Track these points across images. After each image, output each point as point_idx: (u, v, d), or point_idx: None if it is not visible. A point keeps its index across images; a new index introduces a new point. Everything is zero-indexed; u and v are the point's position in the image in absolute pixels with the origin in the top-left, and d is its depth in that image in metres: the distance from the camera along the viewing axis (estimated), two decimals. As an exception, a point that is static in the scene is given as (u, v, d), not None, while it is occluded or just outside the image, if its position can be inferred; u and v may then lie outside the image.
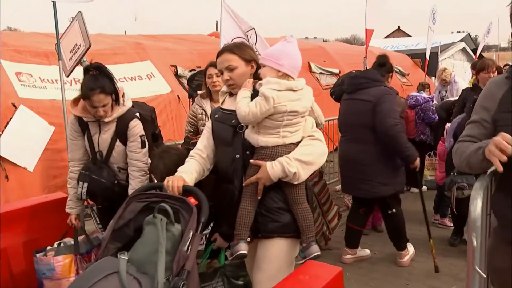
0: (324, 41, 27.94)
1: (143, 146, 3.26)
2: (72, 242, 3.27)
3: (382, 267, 4.30)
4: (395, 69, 13.75)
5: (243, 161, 2.41)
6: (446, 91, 8.39)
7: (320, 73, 9.46)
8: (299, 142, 2.40)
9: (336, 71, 11.22)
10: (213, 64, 3.90)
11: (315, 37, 48.43)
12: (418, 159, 4.11)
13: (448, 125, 5.25)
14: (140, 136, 3.24)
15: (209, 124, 2.64)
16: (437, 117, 6.46)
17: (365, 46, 7.63)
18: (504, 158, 1.68)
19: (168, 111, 7.22)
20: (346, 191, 4.78)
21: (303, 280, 1.85)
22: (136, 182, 3.20)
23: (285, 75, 2.34)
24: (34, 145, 5.52)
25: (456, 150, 2.07)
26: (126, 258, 1.94)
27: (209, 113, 3.89)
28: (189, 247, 2.02)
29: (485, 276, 1.91)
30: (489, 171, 2.10)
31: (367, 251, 4.64)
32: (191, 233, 2.06)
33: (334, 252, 4.72)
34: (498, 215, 2.05)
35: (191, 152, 2.61)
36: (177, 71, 8.03)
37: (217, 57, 2.53)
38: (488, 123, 1.98)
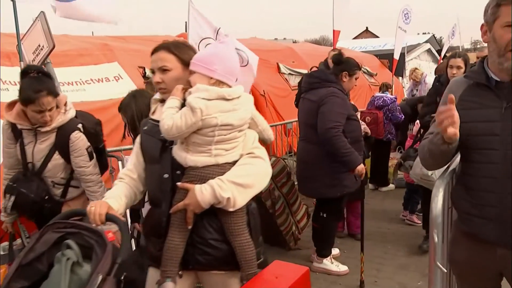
0: (293, 42, 28.07)
1: (91, 158, 3.07)
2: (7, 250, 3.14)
3: (350, 264, 4.35)
4: (363, 69, 13.97)
5: (173, 182, 2.04)
6: (417, 90, 8.61)
7: (289, 73, 9.49)
8: (236, 161, 2.04)
9: (305, 71, 11.24)
10: None
11: (284, 38, 48.65)
12: (360, 167, 3.94)
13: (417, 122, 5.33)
14: (86, 149, 3.05)
15: (138, 138, 2.27)
16: (403, 116, 6.61)
17: (332, 47, 7.73)
18: (454, 120, 1.76)
19: (136, 112, 7.13)
20: (298, 190, 4.74)
21: (269, 280, 1.85)
22: (97, 196, 3.01)
23: (219, 83, 2.01)
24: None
25: (421, 144, 2.13)
26: None
27: None
28: None
29: (446, 271, 1.96)
30: (449, 169, 2.16)
31: (337, 250, 4.68)
32: (100, 277, 1.69)
33: (303, 252, 4.74)
34: (456, 207, 2.12)
35: (120, 174, 2.27)
36: (145, 73, 7.93)
37: (152, 53, 2.16)
38: None
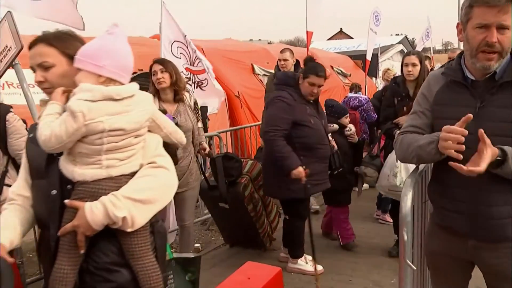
0: (268, 43, 28.18)
1: None
2: None
3: (325, 263, 4.37)
4: (337, 70, 14.11)
5: (62, 199, 1.70)
6: (389, 90, 8.75)
7: (264, 74, 9.51)
8: (135, 173, 1.75)
9: (280, 72, 11.35)
10: (157, 61, 3.88)
11: (259, 39, 48.88)
12: (295, 171, 3.80)
13: None
14: (26, 129, 2.94)
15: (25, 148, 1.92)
16: (377, 116, 6.69)
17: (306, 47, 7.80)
18: (462, 147, 1.75)
19: (109, 115, 7.04)
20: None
21: (241, 281, 1.85)
22: None
23: (110, 80, 1.71)
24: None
25: (400, 142, 2.14)
26: None
27: None
28: None
29: (415, 268, 1.99)
30: (419, 170, 2.20)
31: (320, 267, 4.60)
32: None
33: (278, 252, 4.74)
34: (432, 201, 2.20)
35: (10, 193, 1.88)
36: (118, 74, 7.85)
37: (29, 48, 1.85)
38: (429, 111, 2.10)
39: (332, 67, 13.95)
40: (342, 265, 4.40)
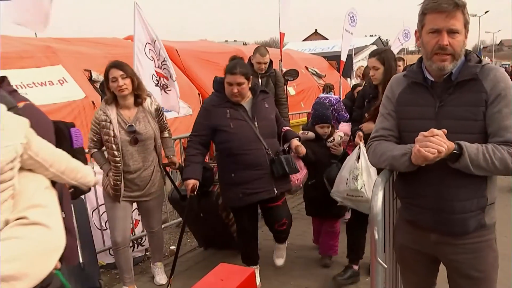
0: (244, 44, 28.21)
1: None
2: None
3: (301, 263, 4.39)
4: (312, 70, 14.23)
5: None
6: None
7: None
8: None
9: (254, 73, 11.37)
10: (115, 65, 3.57)
11: (235, 40, 48.92)
12: (186, 182, 3.69)
13: None
14: None
15: None
16: (348, 115, 6.76)
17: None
18: (431, 157, 1.83)
19: (82, 117, 6.94)
20: None
21: (214, 283, 1.85)
22: None
23: None
24: None
25: (374, 150, 2.22)
26: None
27: (114, 121, 3.59)
28: None
29: (386, 266, 2.03)
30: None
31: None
32: None
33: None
34: (399, 197, 2.30)
35: None
36: (91, 76, 7.75)
37: None
38: (394, 112, 2.20)
39: (307, 68, 14.06)
40: (319, 264, 4.44)
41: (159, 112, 3.85)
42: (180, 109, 6.02)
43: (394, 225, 2.41)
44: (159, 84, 5.69)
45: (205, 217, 4.39)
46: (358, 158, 3.67)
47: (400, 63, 8.27)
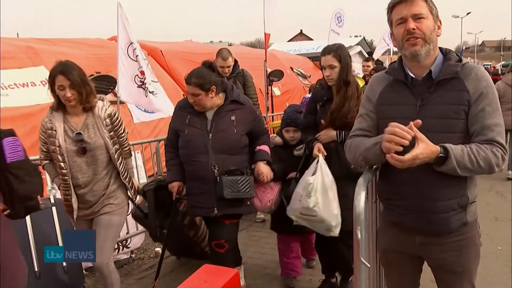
0: (229, 45, 28.20)
1: None
2: None
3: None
4: (297, 71, 14.28)
5: None
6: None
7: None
8: None
9: (240, 74, 11.38)
10: (63, 72, 3.09)
11: (220, 41, 48.88)
12: (170, 185, 3.60)
13: None
14: None
15: None
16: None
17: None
18: (400, 148, 1.83)
19: (65, 118, 6.88)
20: None
21: (198, 285, 1.85)
22: None
23: None
24: None
25: (350, 145, 2.22)
26: None
27: (59, 129, 3.17)
28: None
29: (369, 266, 2.05)
30: (373, 167, 2.26)
31: None
32: None
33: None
34: (381, 199, 2.30)
35: None
36: (75, 77, 7.67)
37: None
38: (373, 113, 2.19)
39: (292, 68, 14.10)
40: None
41: (113, 119, 3.31)
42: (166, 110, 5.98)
43: (378, 228, 2.42)
44: (143, 86, 5.66)
45: (173, 235, 3.94)
46: (314, 173, 3.32)
47: (370, 63, 8.31)
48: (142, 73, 5.65)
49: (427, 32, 1.97)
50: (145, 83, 5.65)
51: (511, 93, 7.34)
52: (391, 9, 2.06)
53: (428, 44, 1.99)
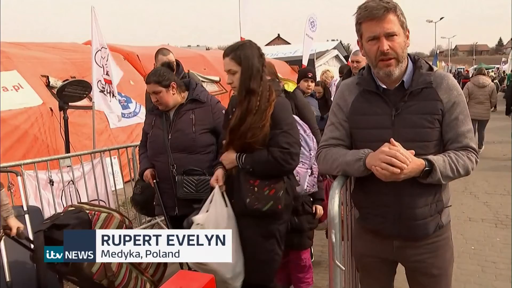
0: (207, 49, 28.17)
1: None
2: None
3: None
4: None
5: None
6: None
7: (202, 81, 9.53)
8: None
9: (217, 78, 11.36)
10: None
11: (197, 45, 48.77)
12: (145, 173, 3.51)
13: None
14: None
15: None
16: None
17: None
18: (398, 171, 1.85)
19: (40, 124, 6.76)
20: None
21: (174, 291, 1.84)
22: None
23: None
24: None
25: (325, 156, 2.17)
26: None
27: None
28: None
29: (343, 268, 2.05)
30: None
31: None
32: None
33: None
34: (357, 207, 2.29)
35: None
36: (49, 82, 7.56)
37: None
38: (346, 122, 2.17)
39: (269, 73, 14.12)
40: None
41: None
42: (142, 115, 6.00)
43: (353, 234, 2.43)
44: (105, 91, 5.68)
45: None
46: (208, 209, 2.78)
47: (359, 57, 7.66)
48: (106, 80, 5.69)
49: (399, 51, 1.98)
50: (110, 89, 5.69)
51: (478, 91, 9.37)
52: (361, 23, 2.01)
53: (400, 62, 2.00)
